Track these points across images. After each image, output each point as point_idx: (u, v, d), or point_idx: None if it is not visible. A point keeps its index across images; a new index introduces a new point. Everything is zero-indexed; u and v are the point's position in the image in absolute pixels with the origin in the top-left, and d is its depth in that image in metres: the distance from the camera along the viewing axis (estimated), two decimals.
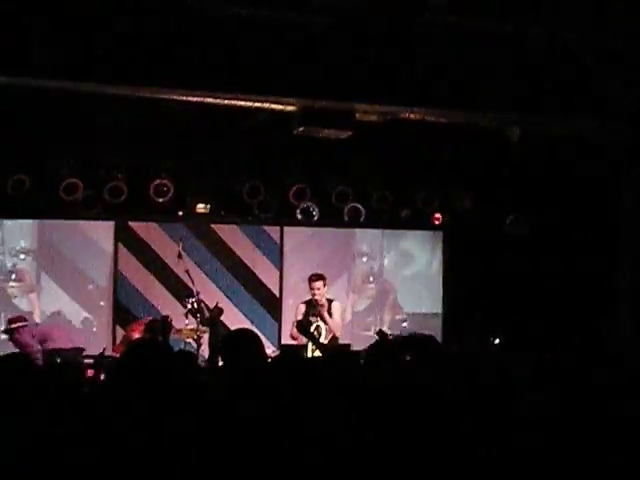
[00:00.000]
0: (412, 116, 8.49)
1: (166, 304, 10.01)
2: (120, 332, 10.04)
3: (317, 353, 8.52)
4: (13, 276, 10.14)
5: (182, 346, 8.58)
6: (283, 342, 10.05)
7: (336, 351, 7.51)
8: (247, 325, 9.74)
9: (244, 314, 10.62)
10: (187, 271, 8.90)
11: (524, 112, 8.35)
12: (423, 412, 3.71)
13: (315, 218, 10.89)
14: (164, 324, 8.31)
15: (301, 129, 8.15)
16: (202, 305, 8.54)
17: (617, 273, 9.73)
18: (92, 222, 10.31)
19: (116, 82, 7.30)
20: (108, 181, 9.98)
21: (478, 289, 10.90)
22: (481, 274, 10.93)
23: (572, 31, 7.75)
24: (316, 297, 8.98)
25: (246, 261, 10.80)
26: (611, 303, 9.78)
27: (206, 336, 8.41)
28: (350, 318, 10.97)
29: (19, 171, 9.58)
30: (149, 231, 10.49)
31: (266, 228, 10.91)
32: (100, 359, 7.55)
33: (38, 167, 9.73)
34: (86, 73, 7.10)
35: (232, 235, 10.78)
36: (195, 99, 7.83)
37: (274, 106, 8.07)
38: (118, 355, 7.29)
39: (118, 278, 10.36)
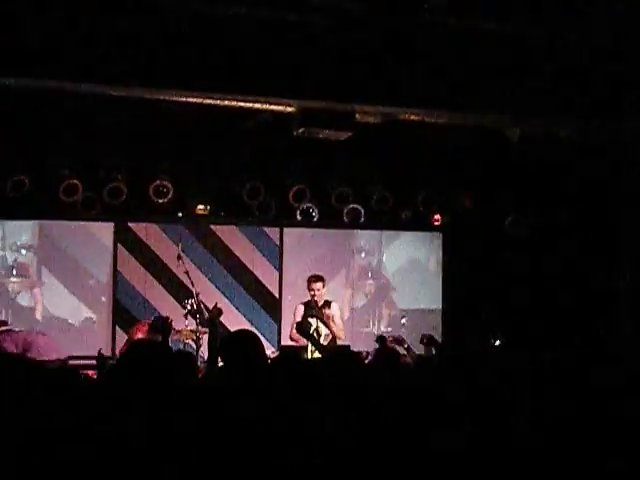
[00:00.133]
0: (412, 117, 8.49)
1: (166, 305, 10.00)
2: (120, 332, 10.04)
3: (317, 354, 8.52)
4: (14, 271, 10.13)
5: (181, 347, 8.57)
6: (282, 343, 10.05)
7: (336, 352, 7.51)
8: (246, 326, 9.73)
9: (243, 315, 10.61)
10: (187, 272, 8.88)
11: (524, 112, 8.35)
12: (423, 412, 3.71)
13: (315, 219, 10.89)
14: (164, 324, 8.30)
15: (301, 130, 8.15)
16: (202, 306, 8.53)
17: (617, 273, 9.73)
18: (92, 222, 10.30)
19: (116, 82, 7.30)
20: (108, 182, 9.97)
21: (478, 289, 10.90)
22: (481, 274, 10.93)
23: (572, 31, 7.75)
24: (315, 298, 8.99)
25: (246, 262, 10.79)
26: (611, 303, 9.78)
27: (206, 337, 8.39)
28: (348, 315, 10.96)
29: (19, 172, 9.57)
30: (149, 232, 10.48)
31: (266, 229, 10.90)
32: (99, 360, 7.54)
33: (38, 168, 9.72)
34: (86, 73, 7.10)
35: (232, 236, 10.77)
36: (195, 100, 7.82)
37: (274, 107, 8.07)
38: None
39: (118, 279, 10.35)
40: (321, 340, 8.78)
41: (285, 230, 10.95)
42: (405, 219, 11.25)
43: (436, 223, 11.37)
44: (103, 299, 10.36)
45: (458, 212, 11.22)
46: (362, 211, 10.94)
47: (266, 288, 10.85)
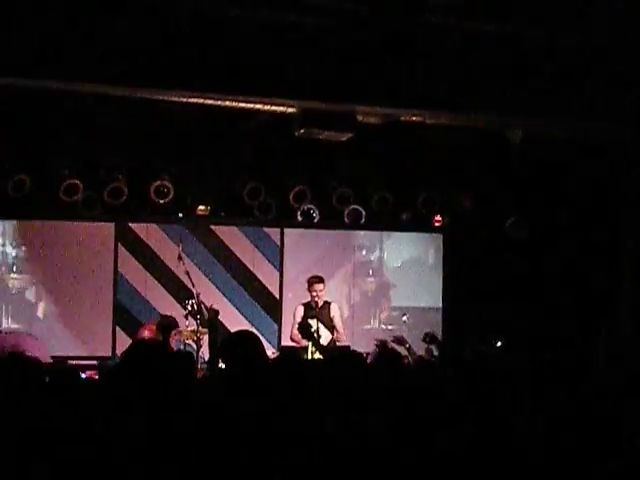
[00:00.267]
0: (413, 118, 8.49)
1: (166, 305, 9.99)
2: (120, 332, 10.04)
3: (317, 355, 8.53)
4: (15, 268, 10.13)
5: (181, 347, 8.57)
6: (283, 344, 10.05)
7: (336, 353, 7.51)
8: (247, 326, 9.73)
9: (244, 316, 10.61)
10: (187, 272, 8.90)
11: (524, 113, 8.34)
12: (424, 412, 3.71)
13: (315, 220, 10.88)
14: (171, 323, 8.33)
15: (302, 131, 8.15)
16: (202, 306, 8.54)
17: (617, 273, 9.73)
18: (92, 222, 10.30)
19: (116, 82, 7.29)
20: (108, 182, 9.96)
21: (478, 290, 10.89)
22: (481, 275, 10.92)
23: (572, 31, 7.74)
24: (316, 299, 9.01)
25: (246, 263, 10.78)
26: (611, 303, 9.78)
27: (206, 337, 8.40)
28: (348, 312, 10.95)
29: (19, 172, 9.57)
30: (149, 232, 10.48)
31: (266, 230, 10.90)
32: (99, 360, 7.56)
33: (38, 168, 9.72)
34: (86, 73, 7.10)
35: (232, 237, 10.76)
36: (195, 100, 7.82)
37: (275, 108, 8.06)
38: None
39: (118, 279, 10.35)
40: (321, 341, 8.79)
41: (286, 231, 10.94)
42: (406, 220, 11.25)
43: (437, 224, 11.37)
44: (103, 299, 10.36)
45: (458, 213, 11.22)
46: (363, 212, 10.93)
47: (266, 288, 10.85)
